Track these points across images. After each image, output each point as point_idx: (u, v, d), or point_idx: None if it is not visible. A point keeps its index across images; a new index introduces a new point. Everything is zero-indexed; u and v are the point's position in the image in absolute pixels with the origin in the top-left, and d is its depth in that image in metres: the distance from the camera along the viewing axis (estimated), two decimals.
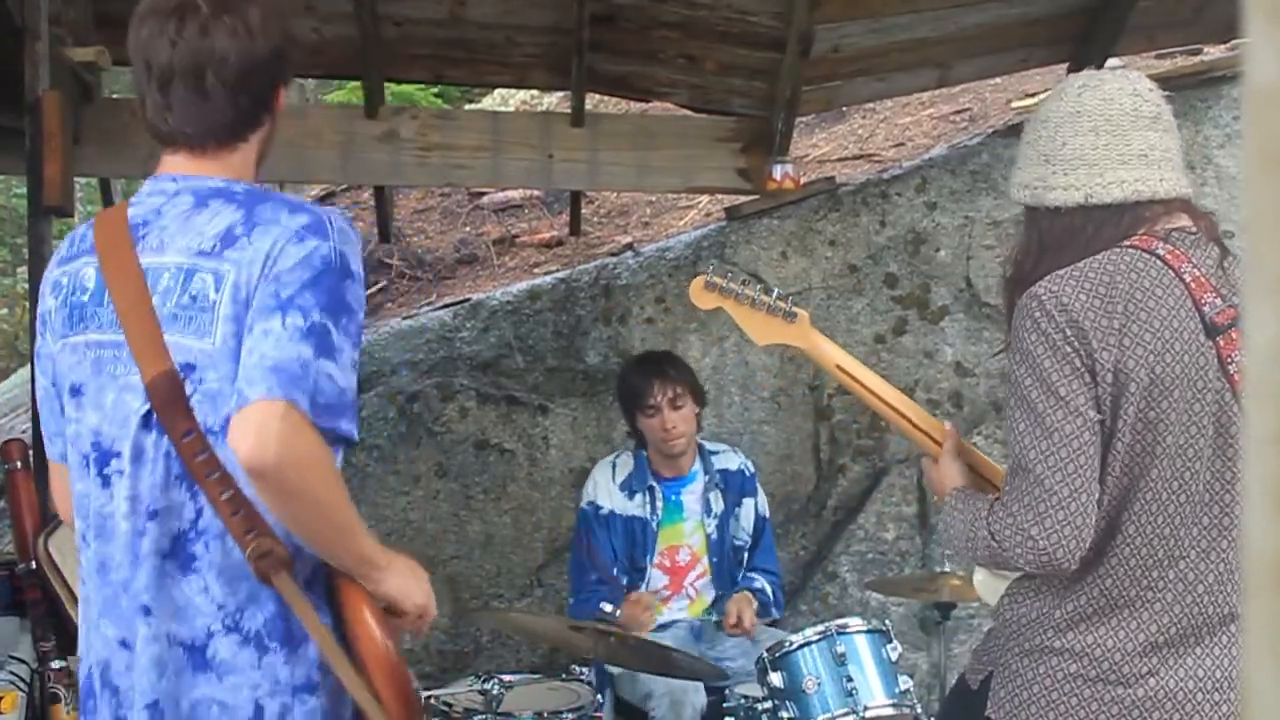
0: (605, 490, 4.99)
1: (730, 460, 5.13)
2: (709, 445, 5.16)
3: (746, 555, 5.06)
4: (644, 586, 4.93)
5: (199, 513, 2.37)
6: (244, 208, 2.43)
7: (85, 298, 2.47)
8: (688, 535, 5.00)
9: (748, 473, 5.14)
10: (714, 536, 4.99)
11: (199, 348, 2.36)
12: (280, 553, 2.33)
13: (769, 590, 4.97)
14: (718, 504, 5.02)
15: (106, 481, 2.42)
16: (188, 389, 2.35)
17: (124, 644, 2.42)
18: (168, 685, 2.37)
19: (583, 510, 5.03)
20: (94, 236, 2.50)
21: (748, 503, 5.09)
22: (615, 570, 4.88)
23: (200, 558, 2.37)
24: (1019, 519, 2.42)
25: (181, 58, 2.44)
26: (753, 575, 5.03)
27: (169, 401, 2.34)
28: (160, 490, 2.37)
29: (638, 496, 4.97)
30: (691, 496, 5.02)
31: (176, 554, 2.37)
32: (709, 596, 5.00)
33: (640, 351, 5.61)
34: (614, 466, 5.05)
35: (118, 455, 2.41)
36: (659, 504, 4.97)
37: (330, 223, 2.42)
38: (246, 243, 2.37)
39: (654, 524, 4.95)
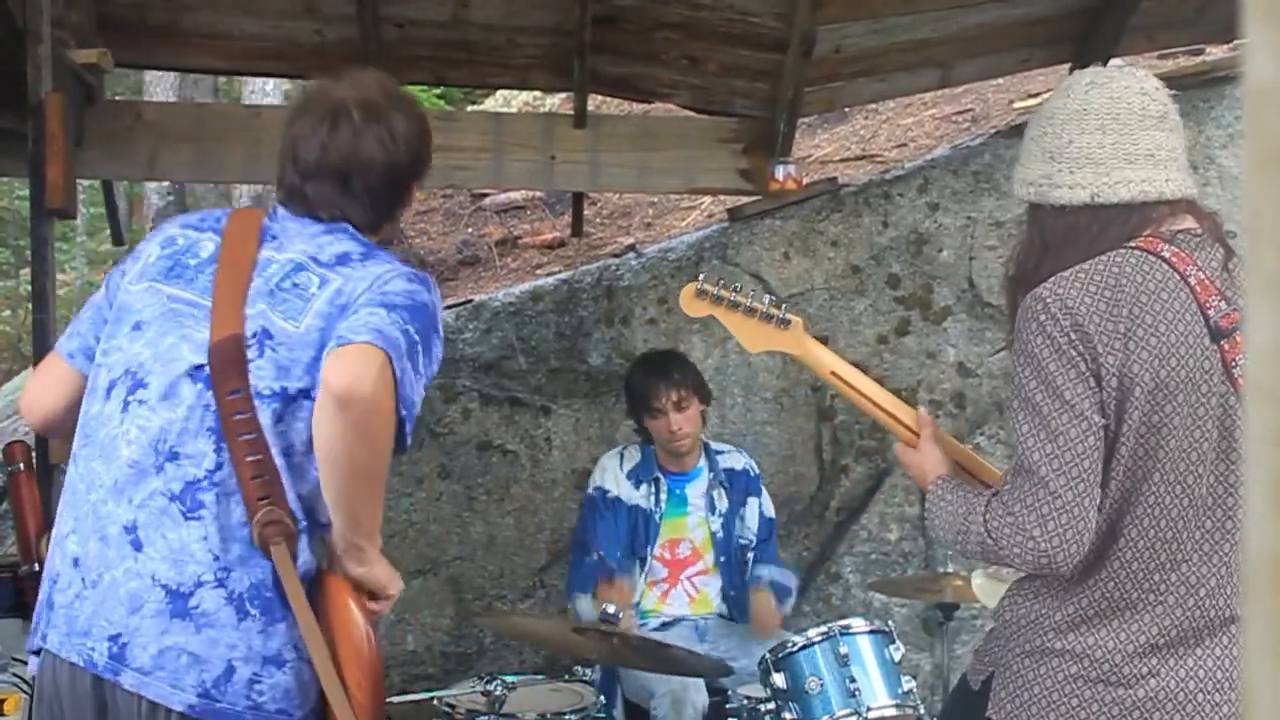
0: (613, 477, 5.05)
1: (735, 460, 5.17)
2: (715, 445, 5.20)
3: (752, 555, 5.06)
4: (643, 576, 4.94)
5: (218, 466, 2.45)
6: (365, 246, 2.63)
7: (193, 261, 2.61)
8: (690, 529, 5.03)
9: (752, 473, 5.17)
10: (719, 535, 5.01)
11: (283, 325, 2.50)
12: (287, 525, 2.43)
13: (780, 579, 4.98)
14: (721, 502, 5.05)
15: (125, 406, 2.50)
16: (255, 352, 2.48)
17: (76, 563, 2.47)
18: (137, 624, 2.41)
19: (589, 495, 5.08)
20: (228, 223, 2.67)
21: (752, 502, 5.11)
22: (618, 554, 4.89)
23: (207, 507, 2.44)
24: (1021, 519, 2.41)
25: (331, 159, 2.65)
26: (760, 572, 5.02)
27: (228, 360, 2.47)
28: (186, 436, 2.46)
29: (643, 486, 5.01)
30: (695, 492, 5.06)
31: (184, 498, 2.44)
32: (712, 593, 5.01)
33: (645, 351, 5.62)
34: (621, 456, 5.12)
35: (145, 386, 2.50)
36: (663, 495, 5.01)
37: (434, 286, 2.63)
38: (360, 265, 2.56)
39: (657, 515, 4.98)
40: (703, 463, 5.10)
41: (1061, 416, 2.39)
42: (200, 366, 2.48)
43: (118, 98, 6.52)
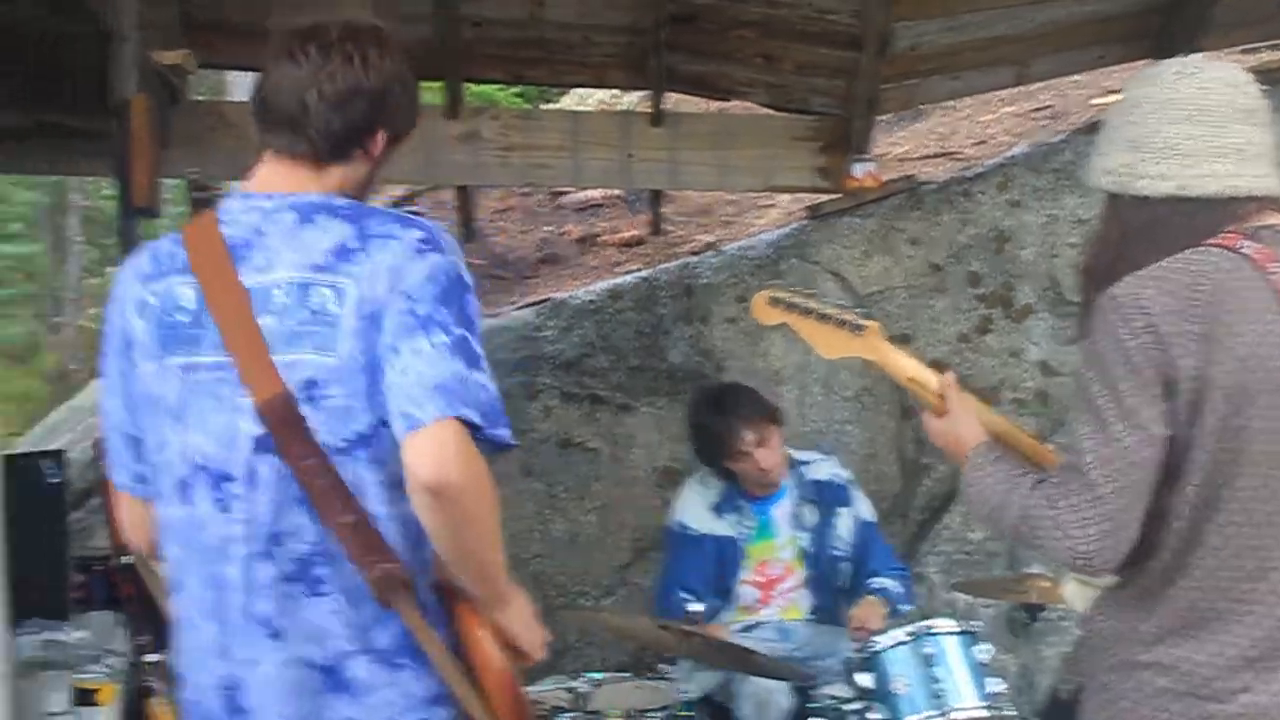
0: (694, 511, 4.91)
1: (821, 470, 4.99)
2: (799, 455, 5.01)
3: (853, 565, 4.91)
4: (731, 607, 4.85)
5: (322, 536, 2.37)
6: (353, 222, 2.44)
7: (184, 319, 2.44)
8: (779, 549, 4.89)
9: (839, 481, 4.99)
10: (810, 550, 4.87)
11: (321, 362, 2.35)
12: (400, 575, 2.35)
13: (891, 587, 4.81)
14: (811, 517, 4.89)
15: (224, 505, 2.40)
16: (308, 407, 2.35)
17: (253, 663, 2.41)
18: (305, 706, 2.38)
19: (670, 529, 4.96)
20: (187, 255, 2.48)
21: (844, 512, 4.93)
22: (700, 589, 4.74)
23: (327, 580, 2.38)
24: (1061, 517, 2.35)
25: (296, 75, 2.50)
26: (873, 580, 4.85)
27: (285, 424, 2.34)
28: (280, 513, 2.37)
29: (728, 516, 4.88)
30: (782, 512, 4.90)
31: (302, 577, 2.38)
32: (803, 605, 4.89)
33: (701, 389, 5.39)
34: (703, 485, 4.95)
35: (231, 479, 2.39)
36: (749, 523, 4.87)
37: (441, 236, 2.45)
38: (364, 256, 2.38)
39: (743, 543, 4.85)
40: (788, 479, 4.92)
41: (1119, 424, 2.32)
42: (262, 437, 2.37)
43: (200, 99, 6.57)
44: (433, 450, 2.27)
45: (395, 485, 2.36)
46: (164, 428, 2.45)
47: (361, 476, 2.36)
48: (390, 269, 2.36)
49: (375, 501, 2.37)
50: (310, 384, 2.35)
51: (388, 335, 2.34)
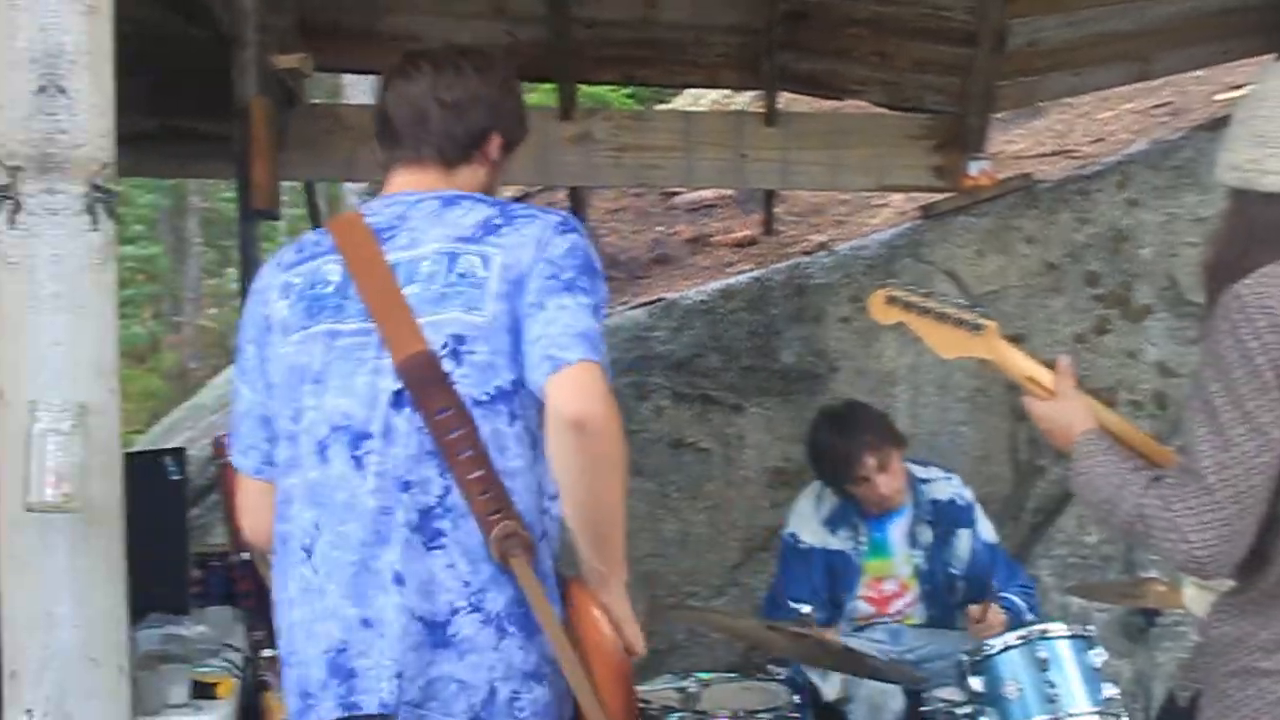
0: (808, 524, 4.83)
1: (942, 489, 4.86)
2: (920, 473, 4.87)
3: (968, 584, 4.78)
4: (843, 619, 4.77)
5: (447, 490, 2.45)
6: (495, 206, 2.62)
7: (328, 290, 2.58)
8: (896, 567, 4.80)
9: (960, 502, 4.85)
10: (924, 567, 4.78)
11: (468, 320, 2.48)
12: (523, 536, 2.42)
13: (1015, 599, 4.70)
14: (925, 536, 4.78)
15: (359, 463, 2.48)
16: (452, 362, 2.46)
17: (365, 623, 2.45)
18: (406, 657, 2.42)
19: (783, 539, 4.90)
20: (334, 239, 2.63)
21: (962, 534, 4.81)
22: (810, 604, 4.67)
23: (447, 534, 2.44)
24: (1179, 520, 2.31)
25: (413, 89, 2.71)
26: (1001, 591, 4.70)
27: (424, 380, 2.45)
28: (411, 466, 2.45)
29: (842, 531, 4.80)
30: (899, 531, 4.80)
31: (424, 528, 2.44)
32: (917, 617, 4.81)
33: (823, 409, 5.21)
34: (818, 499, 4.87)
35: (369, 436, 2.48)
36: (864, 539, 4.79)
37: (578, 224, 2.63)
38: (510, 229, 2.55)
39: (858, 559, 4.78)
40: (906, 498, 4.79)
41: (1239, 428, 2.27)
42: (399, 392, 2.46)
43: (316, 101, 6.66)
44: (577, 388, 2.39)
45: (533, 442, 2.48)
46: (303, 397, 2.56)
47: (501, 430, 2.46)
48: (535, 239, 2.53)
49: (513, 455, 2.47)
50: (457, 339, 2.47)
51: (531, 294, 2.48)
